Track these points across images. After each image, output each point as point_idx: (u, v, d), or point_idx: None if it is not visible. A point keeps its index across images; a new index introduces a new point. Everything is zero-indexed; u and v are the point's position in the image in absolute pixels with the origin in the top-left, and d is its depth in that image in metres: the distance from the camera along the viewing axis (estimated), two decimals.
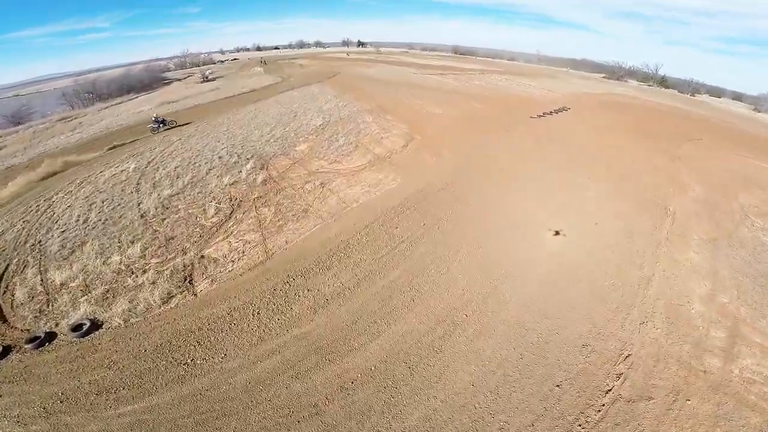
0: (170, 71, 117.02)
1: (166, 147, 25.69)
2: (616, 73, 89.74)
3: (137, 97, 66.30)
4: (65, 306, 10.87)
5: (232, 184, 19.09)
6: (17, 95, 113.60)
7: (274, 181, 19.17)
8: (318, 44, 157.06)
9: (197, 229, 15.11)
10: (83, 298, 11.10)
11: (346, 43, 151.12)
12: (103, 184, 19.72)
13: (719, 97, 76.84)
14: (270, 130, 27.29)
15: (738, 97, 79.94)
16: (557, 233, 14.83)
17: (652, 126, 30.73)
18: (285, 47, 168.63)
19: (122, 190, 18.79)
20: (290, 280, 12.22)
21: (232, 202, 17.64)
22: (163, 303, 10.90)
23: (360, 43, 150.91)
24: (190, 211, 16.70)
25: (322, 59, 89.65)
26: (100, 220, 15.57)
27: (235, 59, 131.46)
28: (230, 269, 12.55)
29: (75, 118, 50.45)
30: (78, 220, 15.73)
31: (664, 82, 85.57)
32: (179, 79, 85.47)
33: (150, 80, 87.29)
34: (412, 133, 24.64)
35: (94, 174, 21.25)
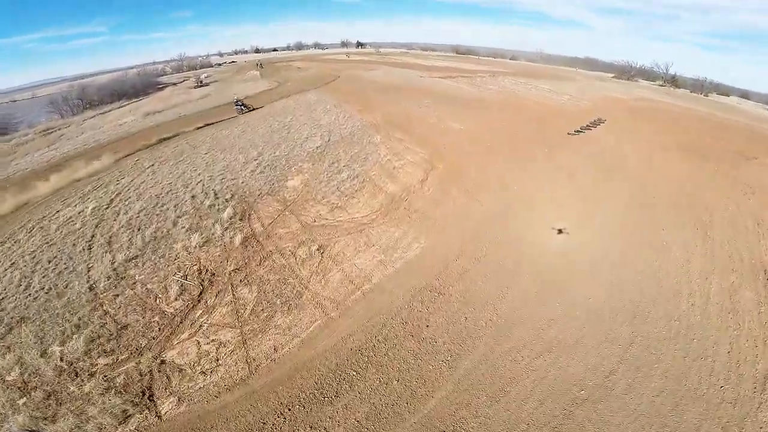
0: (165, 75, 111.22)
1: (134, 177, 20.45)
2: (626, 73, 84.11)
3: (127, 104, 60.80)
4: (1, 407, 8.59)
5: (204, 245, 13.80)
6: (13, 101, 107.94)
7: (258, 242, 13.83)
8: (317, 45, 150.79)
9: (156, 318, 10.86)
10: (22, 400, 8.71)
11: (344, 44, 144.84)
12: (55, 233, 15.19)
13: (727, 96, 71.84)
14: (257, 154, 21.86)
15: (745, 95, 75.04)
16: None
17: (701, 141, 25.31)
18: (283, 49, 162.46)
19: (73, 246, 14.21)
20: (284, 412, 8.46)
21: (201, 276, 12.46)
22: (120, 424, 8.22)
23: (359, 44, 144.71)
24: (148, 287, 11.99)
25: (321, 61, 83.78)
26: (43, 288, 12.05)
27: (233, 62, 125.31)
28: (202, 385, 9.10)
29: (58, 130, 45.14)
30: (20, 285, 12.34)
31: (675, 81, 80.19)
32: (174, 84, 79.71)
33: (143, 85, 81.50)
34: (431, 159, 19.26)
35: (49, 215, 16.60)
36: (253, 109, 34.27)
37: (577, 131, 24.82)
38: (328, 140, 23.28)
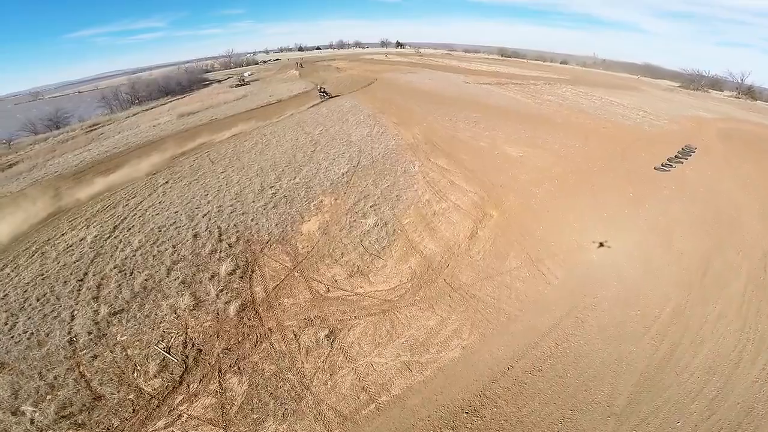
0: (212, 71, 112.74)
1: (144, 197, 18.07)
2: (695, 83, 73.95)
3: (169, 101, 60.71)
4: None
5: (194, 308, 10.76)
6: (79, 92, 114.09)
7: (257, 313, 10.46)
8: (357, 45, 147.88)
9: (132, 395, 8.86)
10: None
11: (384, 44, 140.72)
12: (52, 263, 13.50)
13: None
14: (275, 178, 18.57)
15: None
16: None
17: None
18: (326, 47, 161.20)
19: (64, 284, 12.32)
20: None
21: (186, 350, 9.79)
22: None
23: (398, 44, 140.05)
24: (128, 353, 9.86)
25: (360, 61, 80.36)
26: (26, 331, 10.64)
27: (277, 59, 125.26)
28: None
29: (101, 127, 45.10)
30: (6, 323, 10.97)
31: (751, 92, 69.29)
32: (219, 81, 79.80)
33: (189, 82, 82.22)
34: (483, 203, 14.94)
35: (54, 239, 14.94)
36: (332, 97, 37.16)
37: (666, 165, 19.40)
38: (357, 164, 19.60)
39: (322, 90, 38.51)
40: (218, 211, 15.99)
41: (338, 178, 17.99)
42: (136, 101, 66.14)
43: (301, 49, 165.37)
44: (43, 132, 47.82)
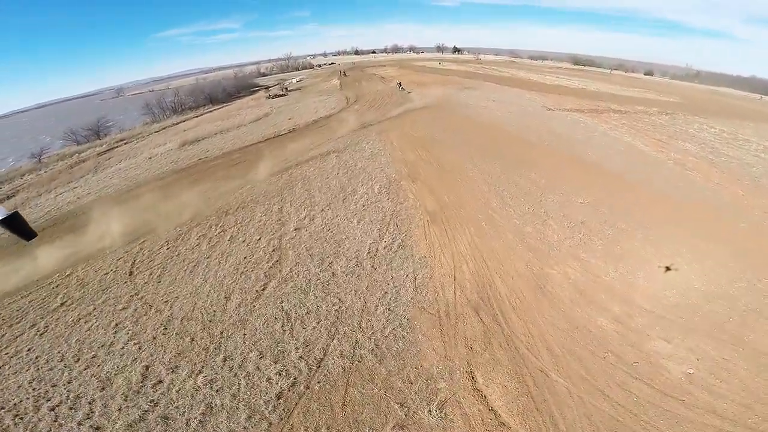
0: (268, 75, 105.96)
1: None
2: None
3: (202, 114, 52.82)
4: None
5: None
6: (152, 90, 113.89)
7: None
8: (412, 49, 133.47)
9: None
10: None
11: (440, 49, 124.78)
12: None
13: None
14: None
15: None
16: None
17: None
18: (381, 51, 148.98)
19: None
20: None
21: None
22: None
23: (455, 49, 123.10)
24: None
25: (410, 69, 66.72)
26: None
27: (332, 63, 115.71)
28: None
29: (124, 143, 37.73)
30: None
31: None
32: (267, 88, 71.42)
33: (237, 89, 75.03)
34: None
35: None
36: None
37: None
38: (306, 384, 7.28)
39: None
40: None
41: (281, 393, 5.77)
42: (180, 109, 59.63)
43: (357, 52, 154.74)
44: (84, 142, 41.92)
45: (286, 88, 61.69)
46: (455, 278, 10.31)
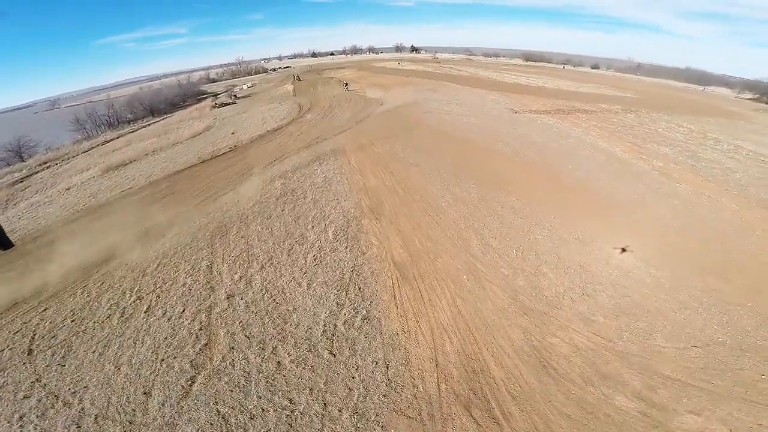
0: (219, 81, 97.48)
1: None
2: None
3: (141, 127, 46.09)
4: None
5: None
6: (91, 101, 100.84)
7: None
8: (371, 50, 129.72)
9: None
10: None
11: (398, 49, 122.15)
12: None
13: None
14: None
15: None
16: None
17: None
18: (339, 53, 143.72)
19: None
20: None
21: None
22: None
23: (413, 49, 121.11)
24: None
25: (370, 71, 63.21)
26: None
27: (287, 67, 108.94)
28: None
29: (45, 168, 31.05)
30: None
31: None
32: (216, 95, 64.67)
33: (181, 98, 67.50)
34: None
35: None
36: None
37: None
38: None
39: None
40: None
41: None
42: (116, 123, 51.88)
43: (314, 55, 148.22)
44: (3, 166, 34.19)
45: (235, 96, 56.00)
46: (437, 363, 7.39)
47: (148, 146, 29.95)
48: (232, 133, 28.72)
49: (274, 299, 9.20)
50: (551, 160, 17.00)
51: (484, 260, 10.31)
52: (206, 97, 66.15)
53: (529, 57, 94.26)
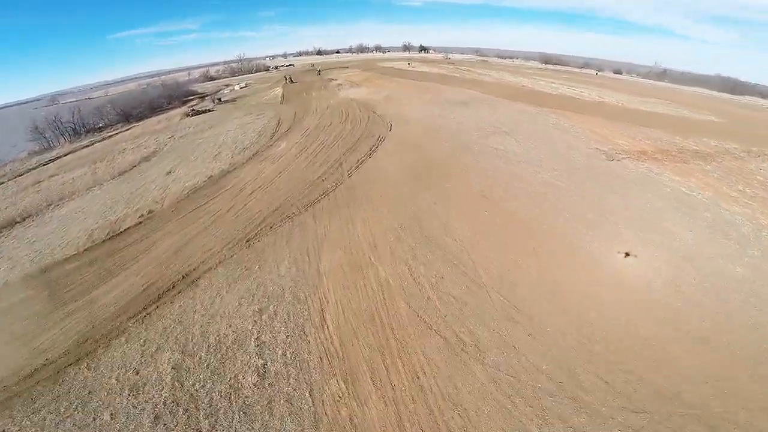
0: (212, 80, 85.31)
1: None
2: None
3: (99, 140, 35.25)
4: None
5: None
6: (90, 98, 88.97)
7: None
8: (378, 48, 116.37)
9: None
10: None
11: (407, 48, 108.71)
12: None
13: None
14: None
15: None
16: None
17: None
18: (345, 51, 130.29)
19: None
20: None
21: None
22: None
23: (422, 48, 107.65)
24: None
25: (375, 72, 51.26)
26: None
27: (290, 65, 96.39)
28: None
29: None
30: None
31: None
32: (204, 97, 53.35)
33: (167, 98, 56.05)
34: None
35: None
36: None
37: None
38: None
39: None
40: None
41: None
42: (82, 130, 40.79)
43: (320, 52, 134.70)
44: None
45: (219, 99, 44.70)
46: None
47: (64, 188, 19.22)
48: (167, 174, 17.76)
49: None
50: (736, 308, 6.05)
51: None
52: (192, 99, 54.91)
53: (547, 60, 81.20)
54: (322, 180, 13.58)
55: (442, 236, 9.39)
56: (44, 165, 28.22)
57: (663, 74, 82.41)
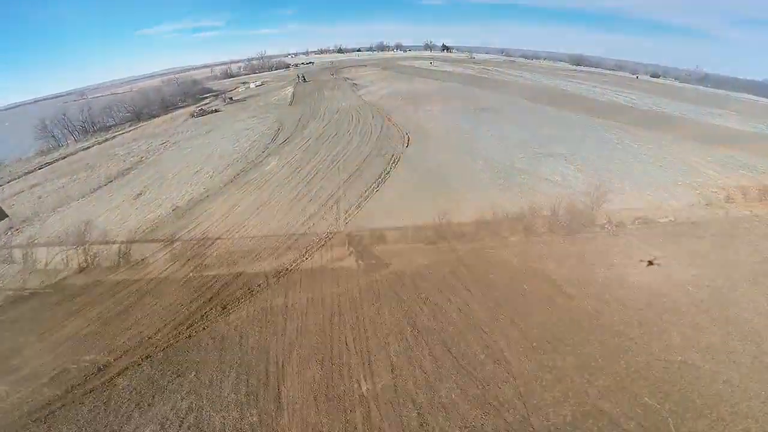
0: (231, 77, 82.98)
1: None
2: None
3: (106, 138, 32.84)
4: None
5: None
6: (115, 93, 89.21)
7: None
8: (398, 47, 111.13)
9: None
10: None
11: (428, 47, 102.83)
12: None
13: None
14: None
15: None
16: None
17: None
18: (366, 49, 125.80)
19: None
20: None
21: None
22: None
23: (445, 47, 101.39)
24: None
25: (394, 70, 46.69)
26: None
27: (310, 62, 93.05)
28: None
29: None
30: None
31: None
32: (218, 95, 50.57)
33: (182, 97, 53.78)
34: None
35: None
36: None
37: None
38: None
39: None
40: None
41: None
42: (92, 129, 38.79)
43: (341, 50, 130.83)
44: None
45: (231, 99, 41.60)
46: None
47: (35, 205, 16.16)
48: (136, 197, 14.30)
49: None
50: None
51: None
52: (206, 97, 52.38)
53: (578, 61, 73.78)
54: (309, 227, 9.56)
55: (509, 328, 5.20)
56: (40, 169, 25.73)
57: (704, 78, 73.41)
